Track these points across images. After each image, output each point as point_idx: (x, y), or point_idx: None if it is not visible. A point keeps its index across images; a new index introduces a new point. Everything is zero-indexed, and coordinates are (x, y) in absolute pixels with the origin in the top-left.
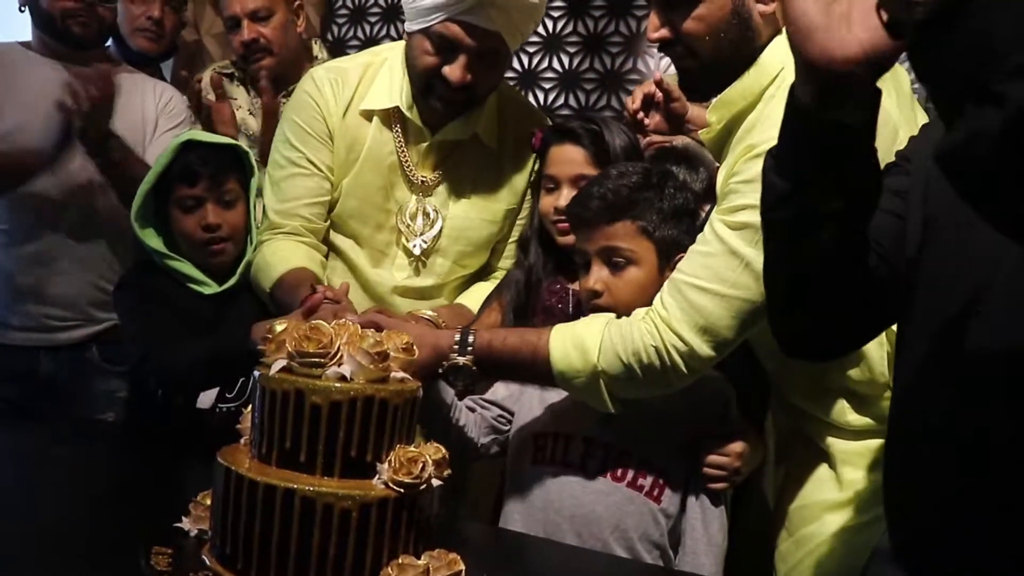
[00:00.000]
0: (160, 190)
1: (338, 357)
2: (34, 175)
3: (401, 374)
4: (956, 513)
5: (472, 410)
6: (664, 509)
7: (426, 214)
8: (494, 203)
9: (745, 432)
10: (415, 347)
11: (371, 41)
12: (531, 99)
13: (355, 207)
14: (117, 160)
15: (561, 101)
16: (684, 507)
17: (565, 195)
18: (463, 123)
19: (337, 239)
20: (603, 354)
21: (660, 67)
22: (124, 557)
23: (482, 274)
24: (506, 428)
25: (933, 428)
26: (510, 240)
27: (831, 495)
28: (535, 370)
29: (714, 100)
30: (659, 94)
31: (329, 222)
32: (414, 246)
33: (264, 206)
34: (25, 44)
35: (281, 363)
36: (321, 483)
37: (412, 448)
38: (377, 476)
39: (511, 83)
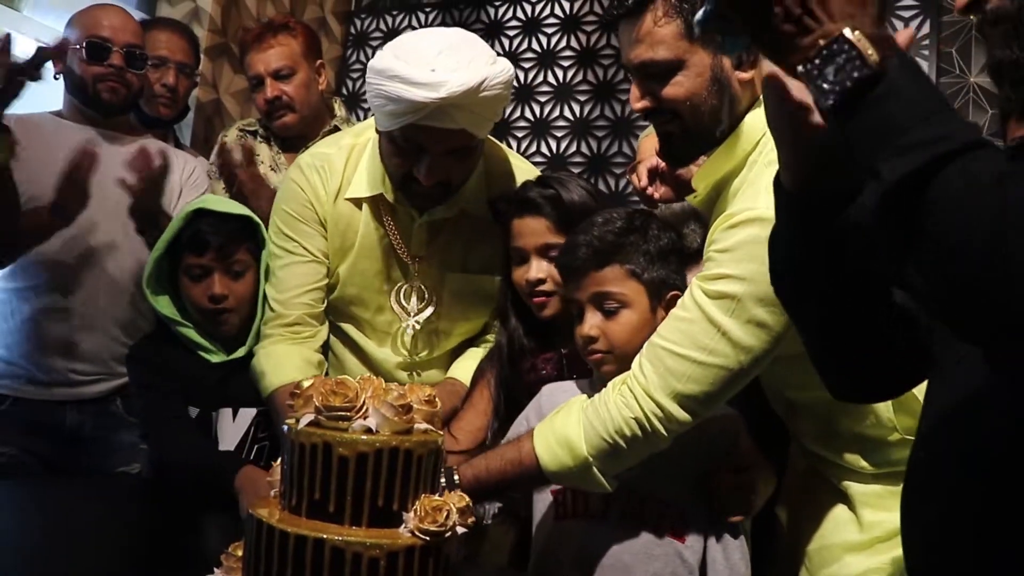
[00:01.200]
0: (172, 256)
1: (364, 410)
2: (52, 233)
3: (424, 425)
4: (974, 565)
5: None
6: (689, 547)
7: (420, 293)
8: (488, 273)
9: (756, 463)
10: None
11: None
12: (543, 148)
13: (355, 294)
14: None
15: (573, 149)
16: (706, 540)
17: (535, 267)
18: (448, 202)
19: (339, 322)
20: (588, 442)
21: None
22: None
23: (484, 333)
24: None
25: (950, 481)
26: None
27: (851, 536)
28: (527, 481)
29: (698, 167)
30: (662, 165)
31: (327, 304)
32: (407, 327)
33: (265, 294)
34: (56, 113)
35: (309, 417)
36: (350, 533)
37: (436, 497)
38: (403, 525)
39: (523, 132)
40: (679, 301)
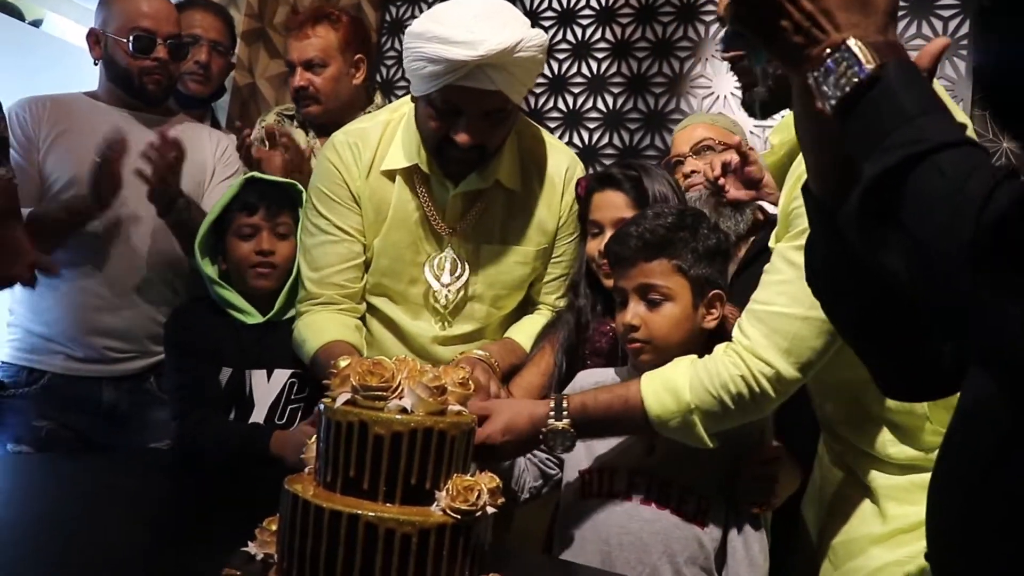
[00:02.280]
0: (220, 223)
1: (399, 391)
2: (92, 218)
3: (458, 407)
4: (996, 557)
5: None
6: (708, 533)
7: (454, 263)
8: (524, 244)
9: (780, 458)
10: (512, 422)
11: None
12: (576, 139)
13: (387, 265)
14: (185, 219)
15: (605, 141)
16: (727, 529)
17: (609, 239)
18: (483, 172)
19: (373, 297)
20: (693, 391)
21: (703, 107)
22: None
23: (520, 313)
24: (554, 472)
25: (976, 472)
26: (548, 278)
27: (875, 529)
28: (630, 421)
29: (776, 121)
30: (736, 160)
31: (365, 281)
32: (441, 297)
33: (299, 273)
34: (90, 94)
35: (345, 396)
36: (383, 509)
37: (468, 477)
38: (435, 503)
39: (556, 123)
40: (768, 266)
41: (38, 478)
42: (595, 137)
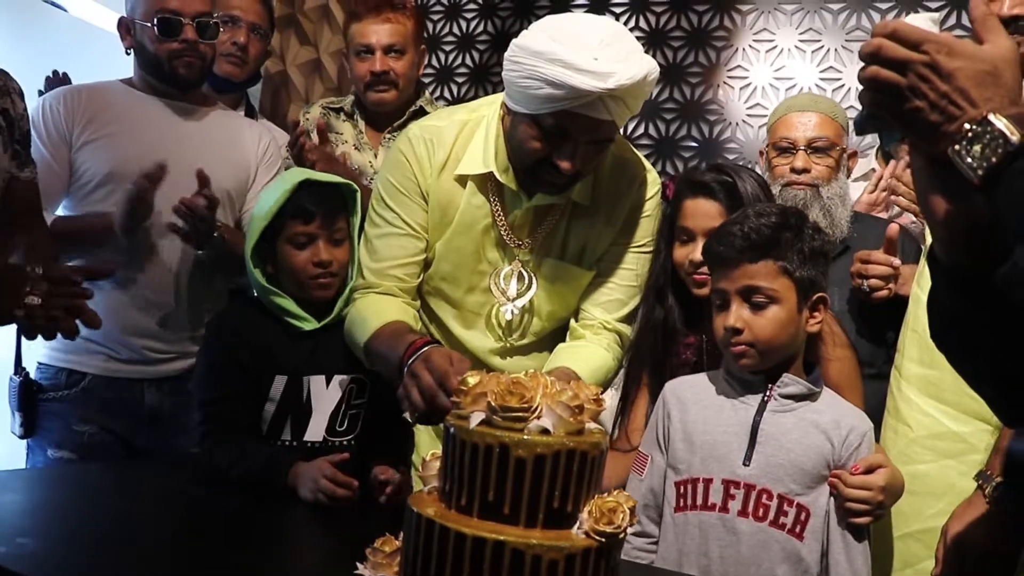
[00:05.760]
0: (268, 227)
1: (538, 411)
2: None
3: (593, 425)
4: None
5: None
6: (808, 545)
7: (520, 277)
8: (587, 258)
9: (887, 464)
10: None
11: (457, 100)
12: None
13: (448, 271)
14: (221, 252)
15: (641, 130)
16: (829, 542)
17: (700, 248)
18: None
19: (429, 300)
20: None
21: (740, 97)
22: None
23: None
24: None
25: None
26: (601, 287)
27: None
28: None
29: None
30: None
31: (421, 280)
32: (506, 311)
33: (359, 262)
34: (126, 81)
35: (480, 416)
36: (527, 535)
37: (609, 497)
38: (577, 526)
39: None
40: None
41: (85, 487)
42: (631, 127)
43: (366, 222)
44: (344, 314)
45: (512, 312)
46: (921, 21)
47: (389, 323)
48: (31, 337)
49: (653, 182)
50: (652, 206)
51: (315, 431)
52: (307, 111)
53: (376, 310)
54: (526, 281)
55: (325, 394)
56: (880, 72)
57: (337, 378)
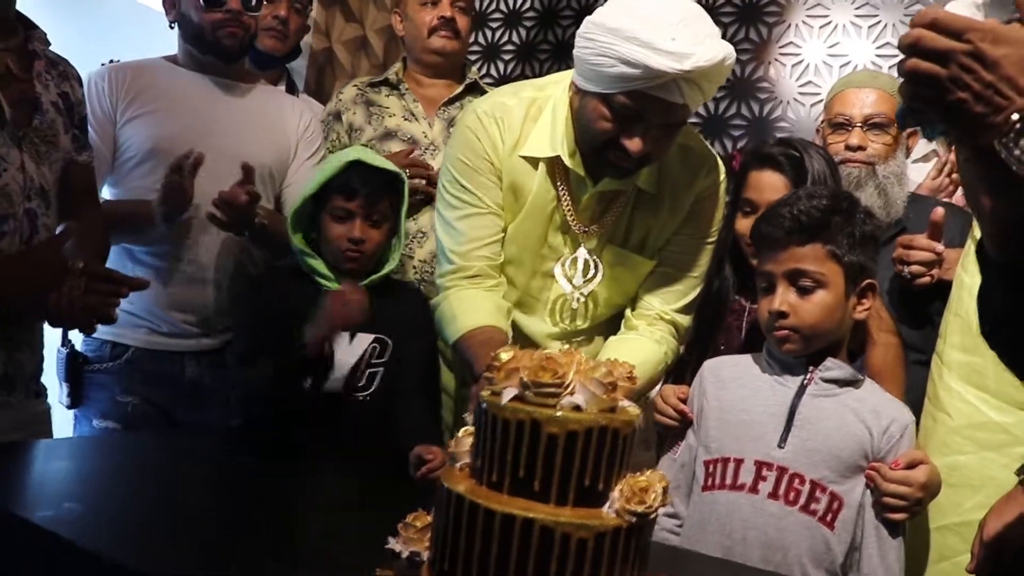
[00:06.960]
0: (316, 195)
1: (571, 387)
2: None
3: (626, 402)
4: None
5: None
6: (838, 535)
7: (586, 264)
8: (650, 246)
9: (925, 461)
10: None
11: (503, 80)
12: None
13: (514, 253)
14: (263, 235)
15: None
16: (861, 534)
17: None
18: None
19: None
20: None
21: (792, 75)
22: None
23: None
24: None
25: None
26: (661, 277)
27: None
28: None
29: None
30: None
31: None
32: (574, 298)
33: (440, 245)
34: (170, 58)
35: (512, 391)
36: (558, 513)
37: (641, 477)
38: (608, 504)
39: None
40: None
41: (129, 455)
42: None
43: (438, 204)
44: (373, 282)
45: (579, 299)
46: (963, 8)
47: (479, 328)
48: (54, 325)
49: (719, 172)
50: (718, 197)
51: (334, 383)
52: (340, 93)
53: (469, 307)
54: (592, 269)
55: (347, 349)
56: (920, 64)
57: (360, 336)
